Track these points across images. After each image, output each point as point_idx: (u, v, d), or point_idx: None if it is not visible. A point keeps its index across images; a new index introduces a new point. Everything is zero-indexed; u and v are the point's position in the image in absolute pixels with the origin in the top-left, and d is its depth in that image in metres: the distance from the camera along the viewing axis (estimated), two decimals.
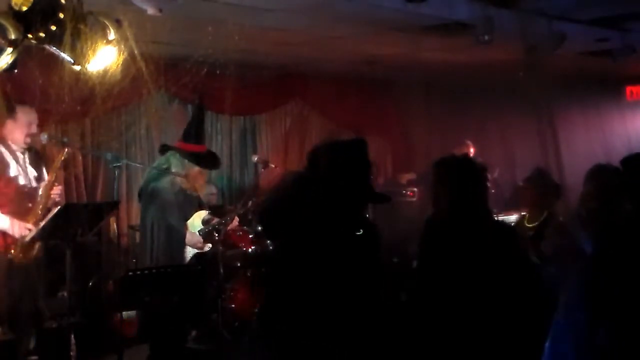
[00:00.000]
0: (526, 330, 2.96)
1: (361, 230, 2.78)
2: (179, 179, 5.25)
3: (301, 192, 2.85)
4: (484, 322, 2.88)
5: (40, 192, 4.69)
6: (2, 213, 4.52)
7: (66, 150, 4.75)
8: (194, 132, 5.53)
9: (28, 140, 4.70)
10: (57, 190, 4.72)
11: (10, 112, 4.72)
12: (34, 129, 4.73)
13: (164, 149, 5.55)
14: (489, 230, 3.11)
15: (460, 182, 3.11)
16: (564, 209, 4.75)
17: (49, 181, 4.68)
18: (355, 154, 2.87)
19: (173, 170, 5.25)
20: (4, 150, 4.65)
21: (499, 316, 2.89)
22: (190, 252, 5.52)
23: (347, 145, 2.97)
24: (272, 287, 2.90)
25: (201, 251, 5.51)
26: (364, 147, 2.89)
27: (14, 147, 4.69)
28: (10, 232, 4.49)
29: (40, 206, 4.61)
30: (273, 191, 3.14)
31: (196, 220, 5.54)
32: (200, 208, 5.59)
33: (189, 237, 5.39)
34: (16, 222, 4.51)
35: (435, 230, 3.11)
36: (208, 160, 5.63)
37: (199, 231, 5.48)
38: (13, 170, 4.65)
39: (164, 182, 5.22)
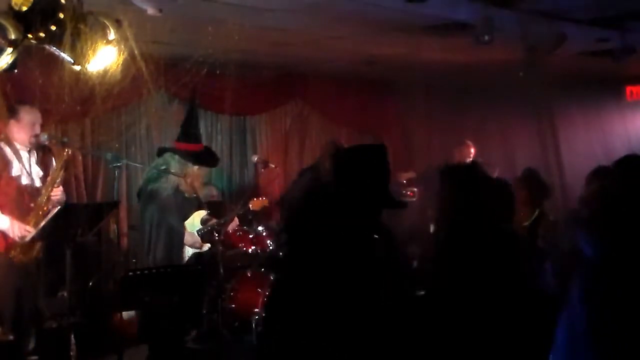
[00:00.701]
0: (532, 337, 2.97)
1: (376, 236, 2.78)
2: (177, 180, 5.25)
3: (321, 197, 2.86)
4: (492, 327, 2.88)
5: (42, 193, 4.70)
6: (3, 213, 4.52)
7: (67, 151, 4.75)
8: (190, 131, 5.54)
9: (33, 140, 4.70)
10: (57, 191, 4.72)
11: (13, 113, 4.72)
12: (37, 129, 4.73)
13: (161, 151, 5.56)
14: (497, 238, 3.11)
15: (469, 190, 3.11)
16: (554, 208, 4.77)
17: (49, 182, 4.68)
18: (376, 159, 2.87)
19: (171, 170, 5.25)
20: (7, 149, 4.65)
21: (506, 322, 2.90)
22: (188, 252, 5.52)
23: (370, 150, 2.97)
24: (283, 290, 2.90)
25: (200, 251, 5.51)
26: (384, 153, 2.90)
27: (18, 146, 4.69)
28: (10, 233, 4.49)
29: (41, 207, 4.61)
30: (295, 193, 3.15)
31: (195, 220, 5.54)
32: (200, 208, 5.59)
33: (187, 237, 5.39)
34: (16, 223, 4.50)
35: (450, 241, 3.10)
36: (206, 158, 5.62)
37: (197, 231, 5.48)
38: (16, 169, 4.64)
39: (163, 183, 5.23)
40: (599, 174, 3.85)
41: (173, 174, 5.23)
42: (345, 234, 2.73)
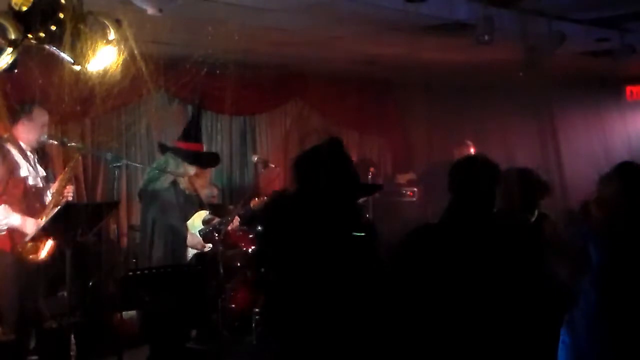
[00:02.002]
0: (536, 331, 2.96)
1: (362, 232, 2.78)
2: (178, 179, 5.25)
3: (293, 205, 2.88)
4: (493, 323, 2.87)
5: (51, 191, 4.71)
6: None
7: (77, 156, 4.79)
8: (193, 132, 5.54)
9: (41, 140, 4.72)
10: (69, 190, 4.74)
11: (26, 112, 4.73)
12: (45, 130, 4.77)
13: (163, 149, 5.56)
14: (499, 229, 3.09)
15: (472, 182, 3.09)
16: (554, 209, 4.73)
17: (61, 181, 4.69)
18: (331, 154, 2.88)
19: (173, 170, 5.25)
20: (14, 151, 4.65)
21: (508, 316, 2.89)
22: (190, 252, 5.51)
23: (321, 148, 2.97)
24: (273, 292, 2.90)
25: (201, 251, 5.51)
26: (339, 145, 2.90)
27: (24, 147, 4.70)
28: (23, 230, 4.49)
29: (51, 206, 4.61)
30: (266, 207, 3.18)
31: (197, 221, 5.54)
32: (201, 208, 5.59)
33: (189, 238, 5.39)
34: (29, 220, 4.51)
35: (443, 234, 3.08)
36: (205, 159, 5.62)
37: (199, 231, 5.48)
38: (24, 170, 4.65)
39: (164, 183, 5.22)
40: (617, 174, 3.80)
41: (174, 173, 5.23)
42: (326, 235, 2.74)
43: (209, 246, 5.52)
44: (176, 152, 5.36)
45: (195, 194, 5.52)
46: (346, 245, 2.76)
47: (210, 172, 5.99)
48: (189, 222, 5.46)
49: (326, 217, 2.77)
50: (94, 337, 5.18)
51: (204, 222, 5.52)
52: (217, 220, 5.51)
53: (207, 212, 5.59)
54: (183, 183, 5.30)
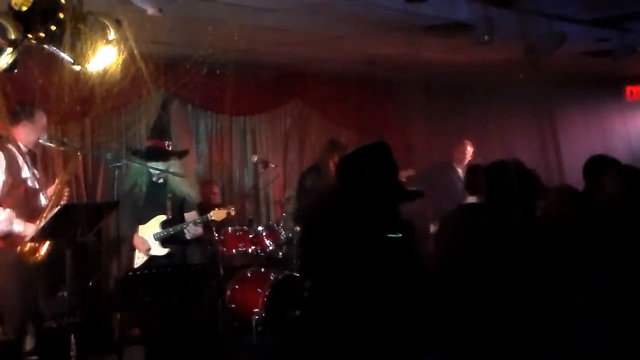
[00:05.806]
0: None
1: (399, 234, 2.80)
2: (141, 181, 5.24)
3: (335, 205, 2.90)
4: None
5: (46, 194, 4.70)
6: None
7: (78, 157, 4.80)
8: (156, 129, 5.53)
9: (40, 141, 4.74)
10: (67, 192, 4.76)
11: (29, 115, 4.74)
12: (44, 132, 4.79)
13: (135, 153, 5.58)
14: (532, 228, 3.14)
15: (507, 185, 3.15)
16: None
17: (61, 184, 4.70)
18: (379, 157, 2.90)
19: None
20: (16, 152, 4.66)
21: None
22: (141, 256, 5.40)
23: (370, 150, 3.00)
24: (313, 293, 2.92)
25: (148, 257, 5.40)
26: (387, 150, 2.93)
27: (23, 149, 4.71)
28: (24, 235, 4.50)
29: (50, 209, 4.61)
30: (310, 206, 3.22)
31: (154, 224, 5.41)
32: (188, 210, 5.50)
33: (135, 239, 5.32)
34: (30, 226, 4.52)
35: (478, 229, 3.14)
36: (158, 153, 5.41)
37: (154, 235, 5.35)
38: (25, 172, 4.67)
39: (126, 184, 5.25)
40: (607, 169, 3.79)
41: (163, 171, 5.23)
42: (366, 236, 2.75)
43: (155, 251, 5.35)
44: (135, 153, 5.37)
45: (181, 196, 5.44)
46: (384, 247, 2.77)
47: (191, 173, 5.88)
48: (145, 225, 5.37)
49: (365, 218, 2.79)
50: (94, 337, 5.18)
51: (162, 225, 5.40)
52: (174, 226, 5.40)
53: (166, 216, 5.43)
54: (140, 185, 5.27)
